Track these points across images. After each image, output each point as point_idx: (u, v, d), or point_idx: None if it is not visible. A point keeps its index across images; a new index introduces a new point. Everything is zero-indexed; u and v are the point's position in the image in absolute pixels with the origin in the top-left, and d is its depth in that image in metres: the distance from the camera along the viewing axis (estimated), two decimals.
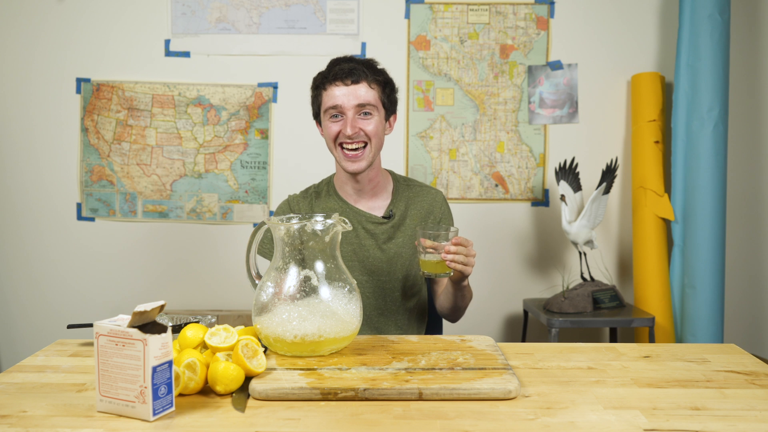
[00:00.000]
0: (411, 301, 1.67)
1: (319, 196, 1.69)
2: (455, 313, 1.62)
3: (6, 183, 2.79)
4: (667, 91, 2.71)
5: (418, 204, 1.66)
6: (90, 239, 2.80)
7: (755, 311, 2.78)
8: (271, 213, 2.80)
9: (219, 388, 0.99)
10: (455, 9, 2.75)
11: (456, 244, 1.35)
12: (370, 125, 1.55)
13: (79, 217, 2.80)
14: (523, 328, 2.70)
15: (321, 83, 1.57)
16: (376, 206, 1.65)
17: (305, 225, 1.14)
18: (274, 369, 1.07)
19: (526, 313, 2.68)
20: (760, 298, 2.77)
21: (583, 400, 0.99)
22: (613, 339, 2.75)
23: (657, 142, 2.63)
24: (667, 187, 2.68)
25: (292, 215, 1.21)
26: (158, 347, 0.90)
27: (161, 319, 2.10)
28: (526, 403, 0.98)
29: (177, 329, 1.24)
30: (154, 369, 0.90)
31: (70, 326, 1.39)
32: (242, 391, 1.01)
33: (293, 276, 1.14)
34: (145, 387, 0.90)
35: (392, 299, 1.64)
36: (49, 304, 2.82)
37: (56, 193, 2.79)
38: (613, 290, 2.53)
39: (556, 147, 2.77)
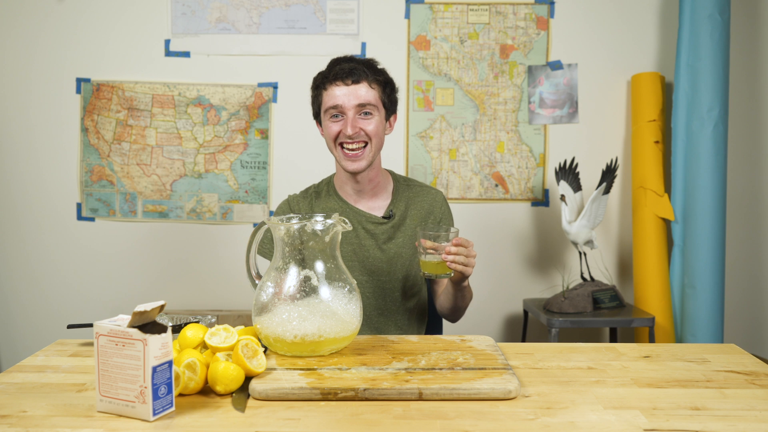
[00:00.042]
0: (411, 301, 1.67)
1: (319, 196, 1.69)
2: (455, 313, 1.62)
3: (6, 183, 2.79)
4: (667, 91, 2.71)
5: (419, 204, 1.66)
6: (90, 239, 2.80)
7: (755, 311, 2.78)
8: (271, 213, 2.80)
9: (219, 388, 0.99)
10: (455, 9, 2.75)
11: (456, 245, 1.35)
12: (370, 125, 1.55)
13: (79, 217, 2.80)
14: (523, 328, 2.70)
15: (321, 83, 1.57)
16: (376, 206, 1.65)
17: (305, 225, 1.14)
18: (274, 369, 1.07)
19: (526, 313, 2.68)
20: (760, 298, 2.77)
21: (583, 400, 0.99)
22: (613, 339, 2.75)
23: (657, 142, 2.63)
24: (667, 187, 2.68)
25: (292, 215, 1.21)
26: (158, 347, 0.90)
27: (161, 319, 2.10)
28: (526, 403, 0.98)
29: (177, 329, 1.24)
30: (154, 369, 0.90)
31: (70, 326, 1.39)
32: (242, 391, 1.01)
33: (293, 276, 1.14)
34: (145, 387, 0.90)
35: (392, 299, 1.64)
36: (49, 304, 2.82)
37: (56, 193, 2.79)
38: (613, 290, 2.53)
39: (556, 147, 2.77)
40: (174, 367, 0.96)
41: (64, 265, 2.81)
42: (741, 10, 2.69)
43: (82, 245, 2.80)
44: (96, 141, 2.77)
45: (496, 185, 2.79)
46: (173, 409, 0.94)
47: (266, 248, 1.63)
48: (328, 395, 0.98)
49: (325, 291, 1.15)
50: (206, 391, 1.02)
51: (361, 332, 1.58)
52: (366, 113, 1.55)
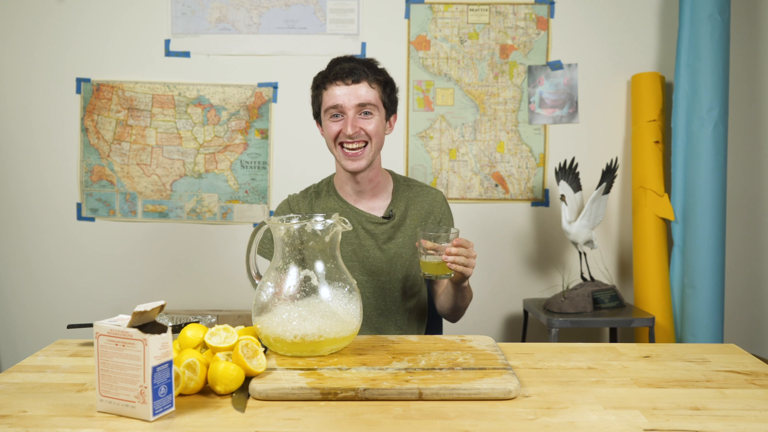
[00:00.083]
0: (411, 302, 1.67)
1: (319, 196, 1.69)
2: (455, 314, 1.62)
3: (6, 183, 2.79)
4: (667, 91, 2.71)
5: (419, 204, 1.66)
6: (90, 239, 2.80)
7: (755, 311, 2.78)
8: (271, 213, 2.80)
9: (219, 388, 0.99)
10: (455, 9, 2.75)
11: (457, 246, 1.35)
12: (370, 125, 1.55)
13: (79, 217, 2.80)
14: (523, 328, 2.70)
15: (321, 83, 1.57)
16: (376, 206, 1.65)
17: (305, 225, 1.14)
18: (274, 369, 1.07)
19: (526, 313, 2.68)
20: (760, 298, 2.77)
21: (583, 400, 0.99)
22: (613, 339, 2.75)
23: (657, 142, 2.63)
24: (667, 187, 2.68)
25: (292, 215, 1.21)
26: (158, 347, 0.90)
27: (161, 319, 2.10)
28: (526, 403, 0.98)
29: (177, 329, 1.24)
30: (154, 369, 0.90)
31: (70, 326, 1.39)
32: (242, 391, 1.01)
33: (293, 276, 1.14)
34: (145, 387, 0.90)
35: (392, 299, 1.64)
36: (49, 304, 2.82)
37: (56, 193, 2.79)
38: (613, 290, 2.53)
39: (556, 147, 2.77)
40: (174, 367, 0.96)
41: (64, 265, 2.81)
42: (741, 10, 2.69)
43: (82, 245, 2.80)
44: (96, 141, 2.77)
45: (496, 185, 2.79)
46: (173, 409, 0.94)
47: (266, 248, 1.63)
48: (328, 395, 0.98)
49: (325, 291, 1.15)
50: (206, 391, 1.02)
51: (361, 332, 1.58)
52: (366, 113, 1.55)
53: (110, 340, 0.92)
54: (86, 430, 0.88)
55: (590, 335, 2.87)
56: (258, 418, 0.92)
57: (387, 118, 1.62)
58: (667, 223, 2.66)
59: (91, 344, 1.28)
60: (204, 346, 1.09)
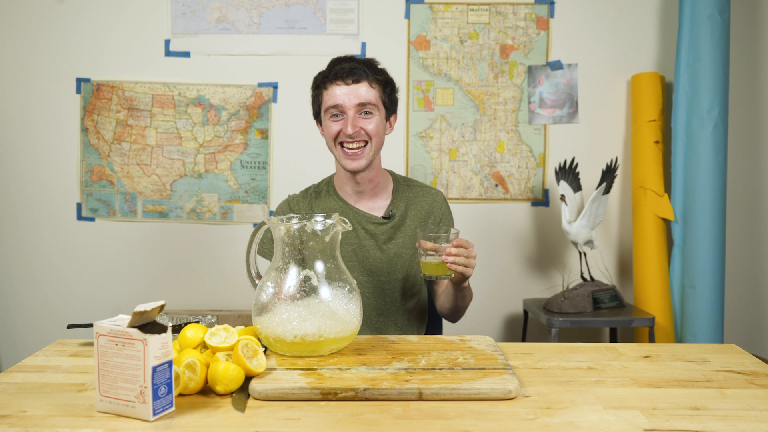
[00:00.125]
0: (411, 302, 1.67)
1: (319, 196, 1.68)
2: (455, 314, 1.62)
3: (6, 183, 2.79)
4: (667, 91, 2.71)
5: (419, 204, 1.66)
6: (90, 239, 2.80)
7: (755, 311, 2.78)
8: (271, 213, 2.80)
9: (219, 388, 0.99)
10: (455, 9, 2.75)
11: (456, 246, 1.35)
12: (370, 124, 1.55)
13: (79, 217, 2.80)
14: (523, 328, 2.70)
15: (322, 82, 1.57)
16: (376, 206, 1.65)
17: (305, 225, 1.14)
18: (274, 369, 1.07)
19: (526, 313, 2.68)
20: (760, 298, 2.77)
21: (583, 400, 0.99)
22: (613, 339, 2.75)
23: (657, 142, 2.63)
24: (667, 187, 2.68)
25: (292, 215, 1.21)
26: (158, 347, 0.90)
27: (161, 319, 2.10)
28: (526, 403, 0.98)
29: (177, 329, 1.24)
30: (154, 369, 0.90)
31: (70, 326, 1.39)
32: (242, 391, 1.01)
33: (293, 276, 1.14)
34: (145, 387, 0.90)
35: (392, 300, 1.64)
36: (49, 304, 2.82)
37: (56, 193, 2.79)
38: (613, 290, 2.53)
39: (556, 147, 2.77)
40: (174, 367, 0.96)
41: (64, 265, 2.81)
42: (741, 10, 2.69)
43: (82, 245, 2.80)
44: (96, 141, 2.77)
45: (496, 185, 2.79)
46: (173, 409, 0.94)
47: (266, 248, 1.63)
48: (328, 395, 0.98)
49: (325, 291, 1.15)
50: (206, 391, 1.02)
51: (361, 332, 1.58)
52: (366, 112, 1.55)
53: (110, 340, 0.92)
54: (86, 430, 0.88)
55: (590, 335, 2.87)
56: (258, 418, 0.92)
57: (387, 118, 1.62)
58: (667, 223, 2.66)
59: (91, 344, 1.28)
60: (204, 346, 1.09)
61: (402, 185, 1.69)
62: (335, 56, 1.61)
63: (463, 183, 2.79)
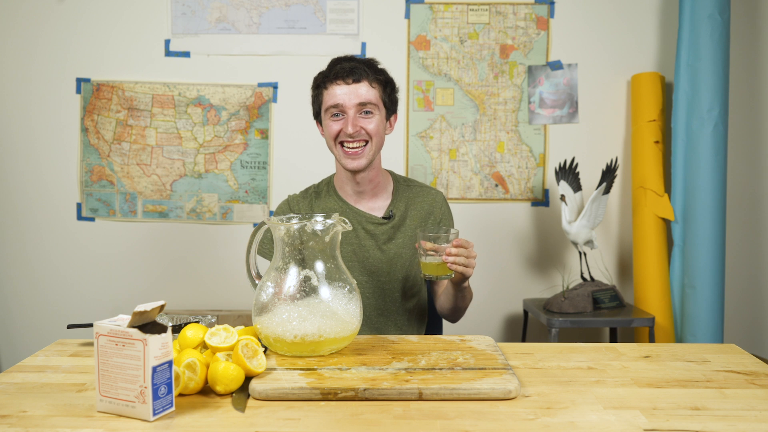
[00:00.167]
0: (411, 302, 1.67)
1: (318, 196, 1.68)
2: (455, 314, 1.62)
3: (6, 183, 2.79)
4: (667, 91, 2.71)
5: (419, 204, 1.66)
6: (90, 239, 2.80)
7: (755, 311, 2.78)
8: (271, 213, 2.80)
9: (219, 388, 0.99)
10: (455, 9, 2.75)
11: (456, 246, 1.35)
12: (371, 124, 1.55)
13: (79, 217, 2.80)
14: (523, 328, 2.70)
15: (322, 82, 1.57)
16: (376, 207, 1.65)
17: (305, 225, 1.14)
18: (274, 369, 1.07)
19: (526, 313, 2.68)
20: (760, 298, 2.77)
21: (583, 400, 0.99)
22: (613, 339, 2.75)
23: (657, 142, 2.63)
24: (667, 187, 2.68)
25: (292, 215, 1.21)
26: (158, 347, 0.90)
27: (161, 319, 2.10)
28: (526, 403, 0.98)
29: (177, 329, 1.24)
30: (154, 369, 0.90)
31: (70, 326, 1.39)
32: (242, 391, 1.01)
33: (293, 276, 1.14)
34: (145, 387, 0.90)
35: (392, 300, 1.64)
36: (49, 304, 2.82)
37: (56, 193, 2.79)
38: (613, 290, 2.53)
39: (556, 147, 2.77)
40: (174, 367, 0.96)
41: (64, 265, 2.81)
42: (741, 10, 2.69)
43: (82, 245, 2.80)
44: (96, 141, 2.77)
45: (496, 185, 2.79)
46: (173, 409, 0.94)
47: (266, 248, 1.63)
48: (328, 395, 0.98)
49: (325, 291, 1.15)
50: (206, 391, 1.02)
51: (360, 332, 1.58)
52: (367, 112, 1.55)
53: (110, 340, 0.92)
54: (86, 430, 0.88)
55: (590, 335, 2.87)
56: (258, 418, 0.92)
57: (387, 118, 1.62)
58: (667, 223, 2.66)
59: (91, 344, 1.28)
60: (204, 346, 1.09)
61: (402, 185, 1.69)
62: (335, 56, 1.62)
63: (463, 183, 2.79)
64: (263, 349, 1.14)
